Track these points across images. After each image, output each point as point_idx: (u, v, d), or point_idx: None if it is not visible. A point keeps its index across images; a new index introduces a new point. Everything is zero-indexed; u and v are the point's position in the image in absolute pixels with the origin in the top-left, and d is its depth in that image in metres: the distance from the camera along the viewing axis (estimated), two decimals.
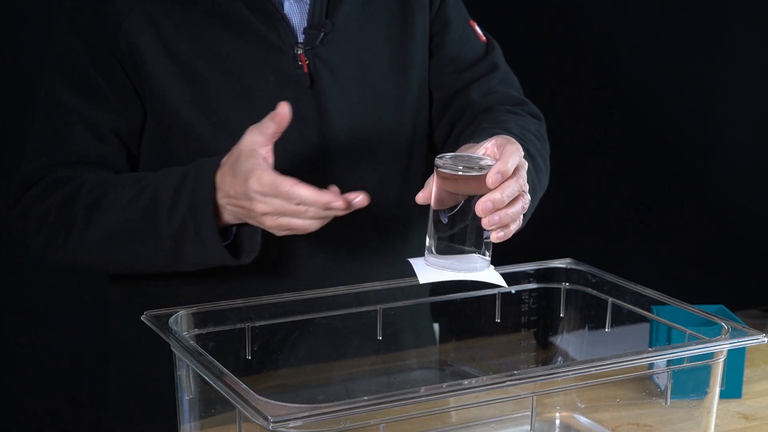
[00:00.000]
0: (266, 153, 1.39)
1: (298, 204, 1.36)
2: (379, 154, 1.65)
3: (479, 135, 1.50)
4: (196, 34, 1.56)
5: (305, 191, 1.35)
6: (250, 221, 1.43)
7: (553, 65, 2.90)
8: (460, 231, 1.33)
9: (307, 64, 1.59)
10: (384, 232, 1.69)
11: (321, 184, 1.58)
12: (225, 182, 1.41)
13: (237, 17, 1.57)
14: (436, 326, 1.75)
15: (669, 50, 2.98)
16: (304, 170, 1.58)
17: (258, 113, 1.55)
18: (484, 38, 1.76)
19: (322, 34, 1.60)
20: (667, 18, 2.96)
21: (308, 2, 1.60)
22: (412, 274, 1.49)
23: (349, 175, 1.62)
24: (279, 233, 1.42)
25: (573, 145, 2.90)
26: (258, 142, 1.38)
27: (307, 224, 1.39)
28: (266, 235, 1.55)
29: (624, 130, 3.01)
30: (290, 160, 1.58)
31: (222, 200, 1.43)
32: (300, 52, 1.59)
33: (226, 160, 1.42)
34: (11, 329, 2.49)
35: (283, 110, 1.37)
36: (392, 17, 1.67)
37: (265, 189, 1.36)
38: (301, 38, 1.59)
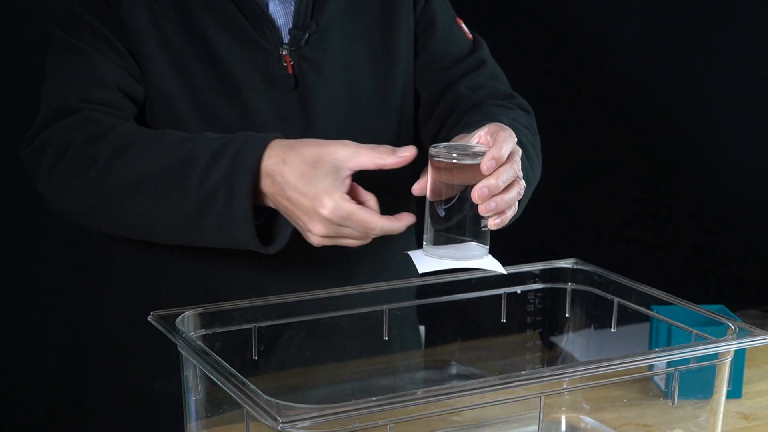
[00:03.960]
0: (349, 174, 1.33)
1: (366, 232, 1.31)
2: None
3: (472, 128, 1.49)
4: (186, 25, 1.55)
5: (384, 223, 1.32)
6: (290, 220, 1.36)
7: (555, 67, 2.90)
8: (458, 220, 1.32)
9: (292, 65, 1.59)
10: None
11: None
12: (285, 176, 1.33)
13: (225, 14, 1.56)
14: (422, 328, 1.75)
15: (669, 51, 2.98)
16: None
17: (244, 110, 1.56)
18: (470, 36, 1.76)
19: (307, 35, 1.59)
20: (667, 18, 2.96)
21: (293, 3, 1.60)
22: (402, 272, 1.51)
23: None
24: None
25: (576, 146, 2.90)
26: (354, 160, 1.32)
27: (357, 244, 1.35)
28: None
29: (626, 131, 3.01)
30: None
31: (268, 189, 1.35)
32: (285, 52, 1.58)
33: (295, 145, 1.34)
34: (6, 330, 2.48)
35: (411, 154, 1.33)
36: (376, 17, 1.66)
37: (337, 218, 1.30)
38: (286, 39, 1.59)
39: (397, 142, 1.68)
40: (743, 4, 3.00)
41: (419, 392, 1.13)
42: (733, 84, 3.04)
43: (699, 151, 3.05)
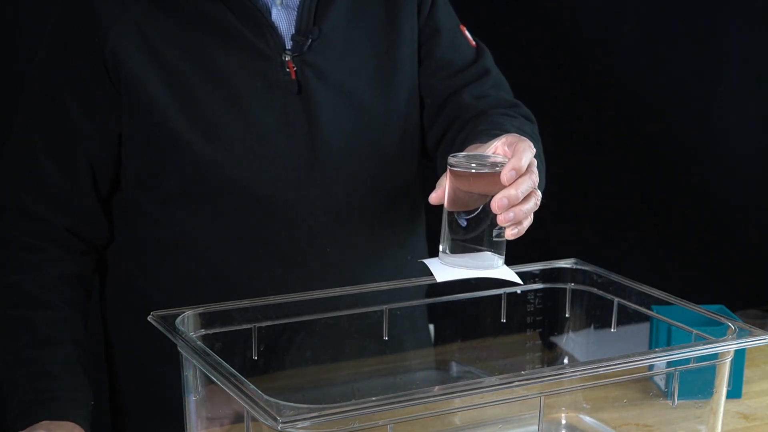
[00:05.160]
0: None
1: None
2: (369, 159, 1.65)
3: (478, 137, 1.49)
4: (183, 42, 1.55)
5: None
6: None
7: (554, 67, 2.90)
8: (475, 230, 1.33)
9: (295, 71, 1.59)
10: (376, 238, 1.69)
11: (312, 187, 1.60)
12: None
13: (224, 25, 1.56)
14: (431, 327, 1.75)
15: (669, 49, 2.97)
16: (295, 175, 1.59)
17: (246, 120, 1.56)
18: (473, 43, 1.75)
19: (310, 40, 1.59)
20: (667, 18, 2.96)
21: (296, 9, 1.59)
22: (403, 276, 1.50)
23: (339, 181, 1.62)
24: None
25: (575, 145, 2.89)
26: None
27: None
28: (263, 241, 1.59)
29: (626, 131, 3.01)
30: (282, 165, 1.58)
31: None
32: (288, 58, 1.58)
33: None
34: None
35: None
36: (379, 24, 1.66)
37: None
38: (288, 45, 1.59)
39: (402, 148, 1.68)
40: (743, 4, 3.00)
41: (419, 392, 1.13)
42: (734, 83, 3.04)
43: (699, 150, 3.05)
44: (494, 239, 1.33)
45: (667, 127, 3.02)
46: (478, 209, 1.32)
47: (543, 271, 1.57)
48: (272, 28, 1.57)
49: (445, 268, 1.34)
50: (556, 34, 2.90)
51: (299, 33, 1.59)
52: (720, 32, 2.99)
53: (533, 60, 2.83)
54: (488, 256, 1.33)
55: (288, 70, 1.58)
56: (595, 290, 1.54)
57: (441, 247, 1.35)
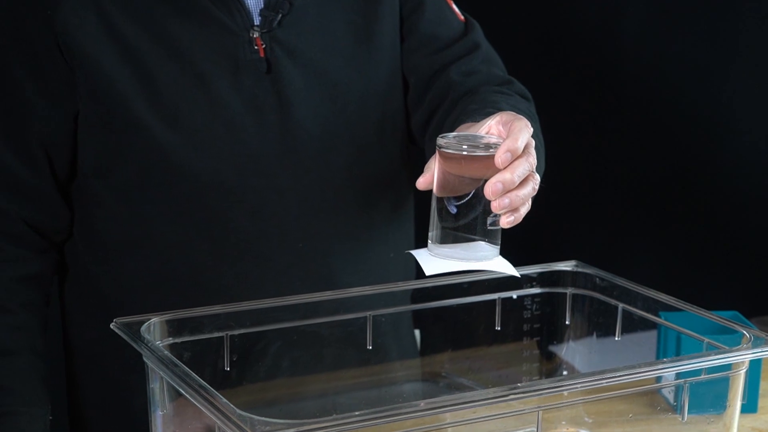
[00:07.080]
0: None
1: None
2: (345, 146, 1.64)
3: (470, 117, 1.47)
4: (143, 16, 1.54)
5: None
6: None
7: (556, 60, 2.92)
8: (467, 218, 1.30)
9: (264, 48, 1.58)
10: (354, 232, 1.68)
11: (284, 176, 1.60)
12: None
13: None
14: (417, 332, 1.75)
15: (676, 43, 2.99)
16: (265, 163, 1.59)
17: (211, 102, 1.56)
18: (462, 17, 1.75)
19: (280, 15, 1.58)
20: (673, 8, 2.96)
21: None
22: (385, 274, 1.49)
23: (314, 167, 1.61)
24: None
25: (578, 143, 2.92)
26: None
27: None
28: (233, 241, 1.58)
29: (633, 128, 3.03)
30: (250, 152, 1.58)
31: None
32: (256, 35, 1.57)
33: None
34: None
35: None
36: None
37: None
38: (257, 20, 1.58)
39: (382, 133, 1.68)
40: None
41: (406, 406, 1.13)
42: (745, 76, 3.05)
43: (709, 146, 3.07)
44: (488, 228, 1.30)
45: (676, 121, 3.03)
46: (469, 194, 1.29)
47: (541, 274, 1.57)
48: (239, 2, 1.56)
49: (435, 260, 1.32)
50: (558, 26, 2.90)
51: (268, 7, 1.58)
52: (730, 22, 3.00)
53: (532, 53, 2.84)
54: (481, 246, 1.31)
55: (256, 47, 1.57)
56: (597, 295, 1.54)
57: (430, 237, 1.33)
